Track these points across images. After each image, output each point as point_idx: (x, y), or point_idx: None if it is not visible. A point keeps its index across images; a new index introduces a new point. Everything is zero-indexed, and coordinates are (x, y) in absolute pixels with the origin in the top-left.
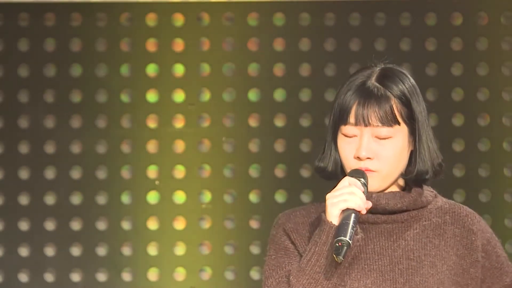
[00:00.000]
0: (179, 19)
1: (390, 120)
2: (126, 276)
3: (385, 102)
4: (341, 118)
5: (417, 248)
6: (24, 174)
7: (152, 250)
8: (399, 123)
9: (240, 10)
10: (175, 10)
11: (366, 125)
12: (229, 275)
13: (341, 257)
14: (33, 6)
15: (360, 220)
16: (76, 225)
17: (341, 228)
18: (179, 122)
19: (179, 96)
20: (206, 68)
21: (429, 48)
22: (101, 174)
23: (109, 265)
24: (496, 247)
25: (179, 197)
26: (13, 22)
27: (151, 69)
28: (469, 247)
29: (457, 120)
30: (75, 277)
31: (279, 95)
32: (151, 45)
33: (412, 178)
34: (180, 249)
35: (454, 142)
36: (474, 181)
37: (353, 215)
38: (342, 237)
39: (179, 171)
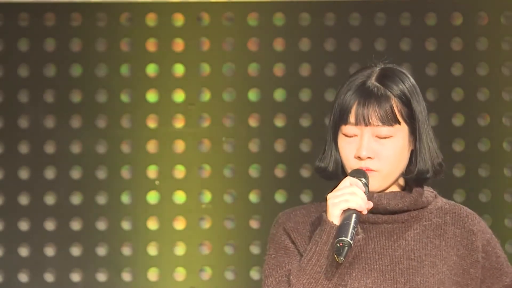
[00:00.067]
0: (179, 19)
1: (390, 120)
2: (126, 276)
3: (385, 101)
4: (342, 118)
5: (417, 248)
6: (24, 174)
7: (152, 250)
8: (399, 123)
9: (240, 10)
10: (175, 10)
11: (366, 125)
12: (229, 275)
13: (342, 258)
14: (33, 6)
15: (361, 219)
16: (76, 225)
17: (342, 228)
18: (179, 122)
19: (179, 96)
20: (206, 68)
21: (429, 48)
22: (101, 174)
23: (109, 265)
24: (496, 248)
25: (179, 197)
26: (13, 22)
27: (151, 69)
28: (469, 248)
29: (457, 120)
30: (75, 277)
31: (279, 95)
32: (151, 45)
33: (413, 178)
34: (180, 249)
35: (454, 142)
36: (474, 181)
37: (354, 215)
38: (343, 238)
39: (179, 171)
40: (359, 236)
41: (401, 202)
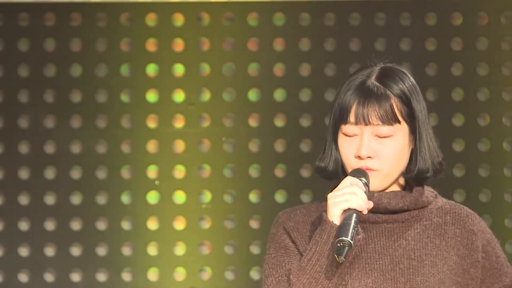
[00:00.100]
0: (179, 19)
1: (390, 119)
2: (126, 276)
3: (385, 101)
4: (341, 118)
5: (418, 248)
6: (24, 174)
7: (152, 250)
8: (399, 122)
9: (240, 10)
10: (175, 10)
11: (366, 124)
12: (229, 275)
13: (342, 257)
14: (33, 6)
15: (361, 219)
16: (76, 225)
17: (342, 228)
18: (179, 122)
19: (179, 96)
20: (206, 68)
21: (429, 48)
22: (101, 174)
23: (109, 265)
24: (496, 248)
25: (179, 197)
26: (13, 22)
27: (151, 69)
28: (469, 248)
29: (457, 120)
30: (75, 277)
31: (279, 95)
32: (151, 45)
33: (413, 177)
34: (180, 249)
35: (454, 142)
36: (474, 181)
37: (354, 215)
38: (343, 237)
39: (179, 171)
40: (359, 236)
41: (401, 202)
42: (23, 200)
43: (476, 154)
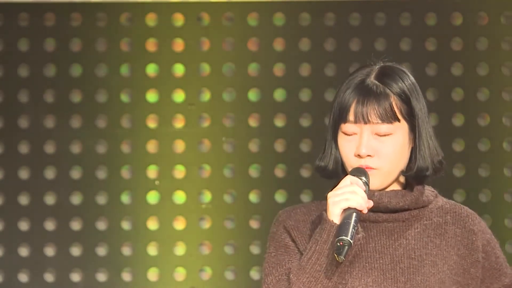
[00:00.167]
0: (179, 19)
1: (389, 117)
2: (126, 276)
3: (384, 99)
4: (341, 116)
5: (418, 247)
6: (24, 174)
7: (152, 250)
8: (399, 120)
9: (240, 10)
10: (175, 10)
11: (365, 123)
12: (229, 275)
13: (342, 257)
14: (33, 6)
15: (361, 218)
16: (76, 225)
17: (342, 227)
18: (179, 122)
19: (179, 96)
20: (206, 68)
21: (429, 48)
22: (101, 174)
23: (109, 265)
24: (495, 249)
25: (179, 197)
26: (13, 22)
27: (151, 69)
28: (469, 247)
29: (457, 120)
30: (75, 277)
31: (279, 95)
32: (151, 45)
33: (412, 175)
34: (180, 249)
35: (454, 142)
36: (474, 181)
37: (354, 214)
38: (343, 237)
39: (179, 171)
40: (359, 235)
41: (402, 201)
42: (23, 200)
43: (476, 154)
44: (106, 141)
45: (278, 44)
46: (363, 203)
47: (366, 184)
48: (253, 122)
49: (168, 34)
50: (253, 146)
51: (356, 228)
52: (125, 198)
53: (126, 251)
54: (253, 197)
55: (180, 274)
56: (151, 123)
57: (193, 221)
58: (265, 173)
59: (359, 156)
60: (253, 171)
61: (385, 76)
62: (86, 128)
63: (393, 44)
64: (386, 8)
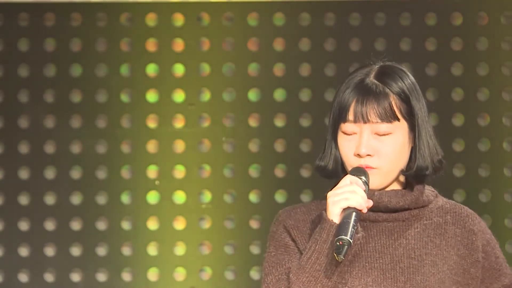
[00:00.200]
0: (179, 19)
1: (389, 116)
2: (126, 276)
3: (384, 98)
4: (341, 116)
5: (418, 247)
6: (24, 174)
7: (152, 250)
8: (398, 119)
9: (240, 10)
10: (175, 10)
11: (365, 122)
12: (229, 275)
13: (341, 256)
14: (33, 6)
15: (361, 217)
16: (76, 225)
17: (342, 227)
18: (179, 122)
19: (179, 96)
20: (206, 68)
21: (429, 48)
22: (101, 174)
23: (109, 265)
24: (495, 249)
25: (179, 197)
26: (13, 22)
27: (151, 69)
28: (469, 247)
29: (457, 120)
30: (75, 277)
31: (279, 95)
32: (151, 45)
33: (412, 174)
34: (180, 249)
35: (454, 142)
36: (474, 181)
37: (354, 213)
38: (343, 236)
39: (179, 171)
40: (359, 235)
41: (402, 200)
42: (23, 200)
43: (476, 154)
44: (106, 141)
45: (278, 44)
46: (362, 203)
47: (366, 183)
48: (253, 122)
49: (168, 34)
50: (253, 146)
51: (355, 227)
52: (125, 198)
53: (126, 251)
54: (253, 197)
55: (180, 274)
56: (151, 123)
57: (193, 221)
58: (265, 173)
59: (358, 155)
60: (253, 171)
61: (384, 75)
62: (86, 128)
63: (393, 44)
64: (386, 8)
